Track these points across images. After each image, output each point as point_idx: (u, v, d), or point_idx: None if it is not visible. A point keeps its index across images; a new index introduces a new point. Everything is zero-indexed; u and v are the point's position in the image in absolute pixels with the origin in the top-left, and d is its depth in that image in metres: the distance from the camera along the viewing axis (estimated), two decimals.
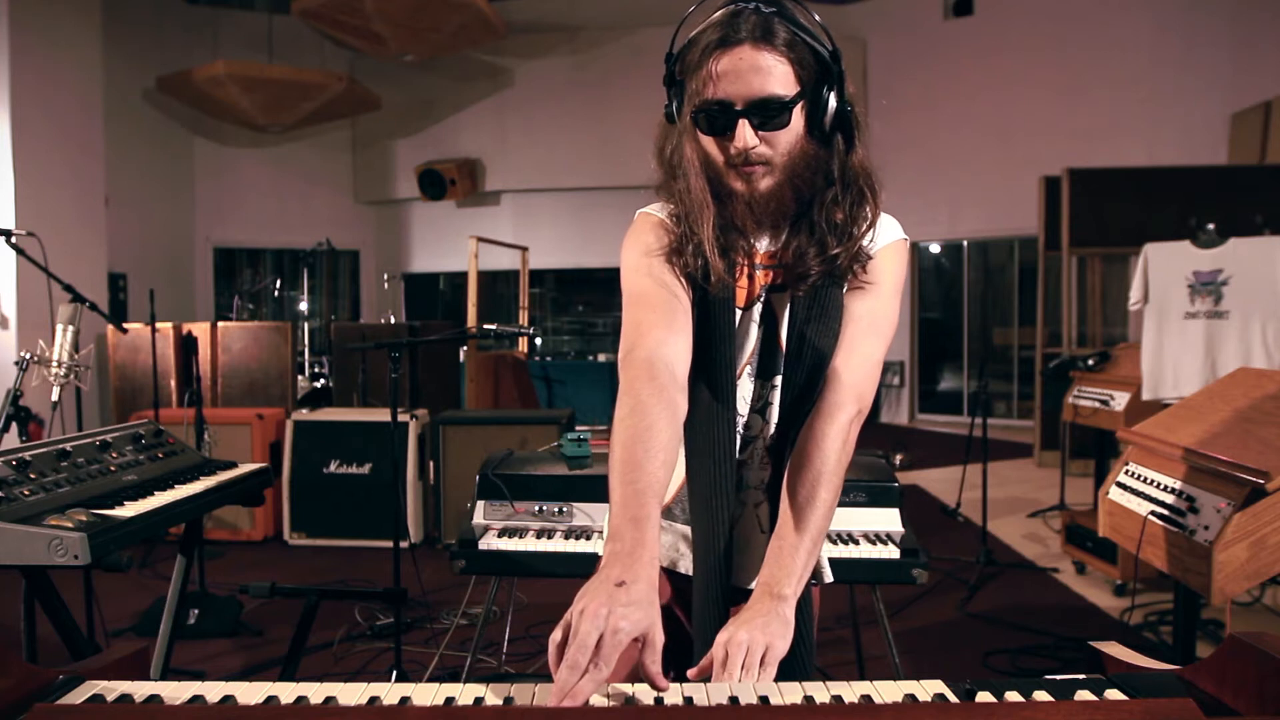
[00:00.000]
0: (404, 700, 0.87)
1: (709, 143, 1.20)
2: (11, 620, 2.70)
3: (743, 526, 1.30)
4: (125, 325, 5.10)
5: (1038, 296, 7.68)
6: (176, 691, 0.87)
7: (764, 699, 0.90)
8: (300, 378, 7.17)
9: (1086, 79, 9.01)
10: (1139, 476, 2.17)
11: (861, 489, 2.25)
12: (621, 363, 1.18)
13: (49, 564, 1.67)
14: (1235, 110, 7.77)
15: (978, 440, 4.75)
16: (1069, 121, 9.00)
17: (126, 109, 8.90)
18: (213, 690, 0.88)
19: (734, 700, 0.90)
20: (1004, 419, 9.73)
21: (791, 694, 0.91)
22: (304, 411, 5.14)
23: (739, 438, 1.28)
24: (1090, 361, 4.81)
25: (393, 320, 8.01)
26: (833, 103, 1.20)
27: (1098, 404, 4.58)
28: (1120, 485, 2.24)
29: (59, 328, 3.22)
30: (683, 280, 1.24)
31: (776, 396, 1.27)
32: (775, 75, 1.15)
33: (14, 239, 3.31)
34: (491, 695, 0.89)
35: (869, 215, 1.24)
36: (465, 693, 0.89)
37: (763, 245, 1.28)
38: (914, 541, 2.21)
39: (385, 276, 10.25)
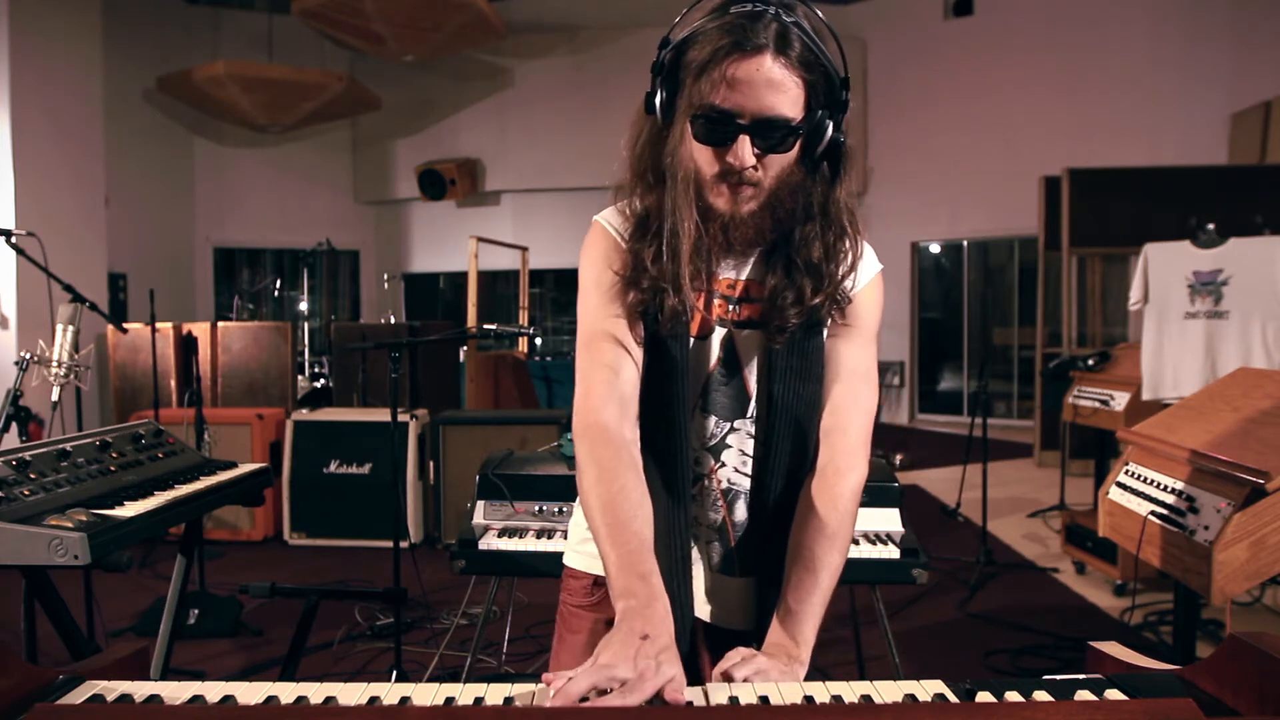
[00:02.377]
0: (404, 700, 0.87)
1: (699, 150, 1.11)
2: (11, 620, 2.70)
3: (691, 562, 1.26)
4: (125, 325, 5.10)
5: (1038, 296, 7.68)
6: (176, 691, 0.87)
7: (764, 699, 0.90)
8: (300, 378, 7.17)
9: (1086, 79, 9.02)
10: (1139, 476, 2.17)
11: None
12: (575, 428, 1.15)
13: (49, 564, 1.67)
14: (1235, 110, 7.78)
15: (978, 440, 4.75)
16: (1069, 121, 9.00)
17: (126, 109, 8.89)
18: (213, 690, 0.88)
19: (734, 700, 0.90)
20: (1004, 419, 9.74)
21: (791, 694, 0.91)
22: (304, 411, 5.14)
23: (690, 475, 1.23)
24: (1090, 361, 4.81)
25: (393, 320, 8.01)
26: (830, 132, 1.12)
27: (1098, 404, 4.58)
28: (1120, 485, 2.24)
29: (59, 328, 3.22)
30: (634, 315, 1.18)
31: (739, 441, 1.23)
32: (788, 95, 1.07)
33: (14, 239, 3.31)
34: (491, 695, 0.89)
35: (848, 252, 1.18)
36: (465, 693, 0.89)
37: (724, 272, 1.21)
38: (914, 541, 2.21)
39: (385, 276, 10.25)
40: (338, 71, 9.46)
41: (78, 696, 0.86)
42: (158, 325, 4.80)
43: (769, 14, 1.07)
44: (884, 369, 10.64)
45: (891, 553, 2.18)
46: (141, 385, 5.65)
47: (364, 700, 0.87)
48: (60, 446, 2.00)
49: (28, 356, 3.15)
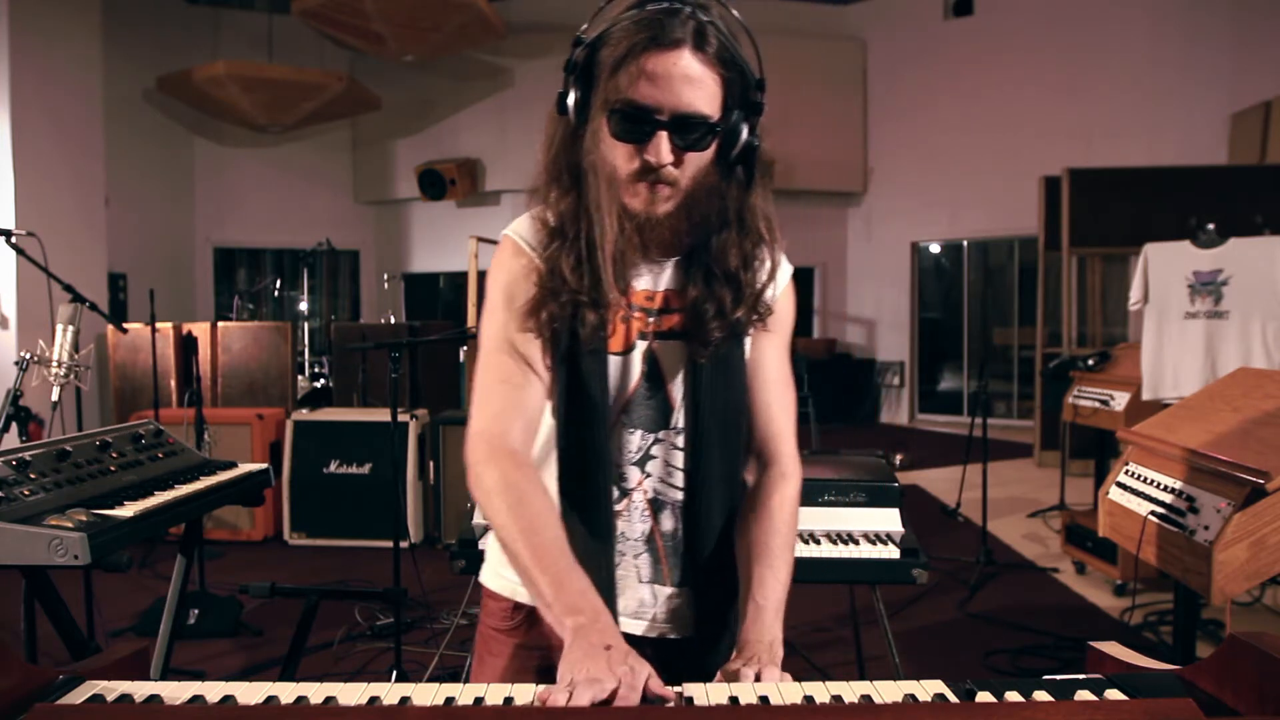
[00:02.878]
0: (404, 700, 0.87)
1: (615, 148, 1.08)
2: (11, 620, 2.70)
3: (618, 577, 1.23)
4: (125, 325, 5.10)
5: (1038, 296, 7.68)
6: (176, 691, 0.87)
7: (764, 699, 0.90)
8: (300, 378, 7.17)
9: (1086, 79, 9.02)
10: (1139, 476, 2.17)
11: (861, 489, 2.25)
12: (479, 451, 1.11)
13: (49, 564, 1.67)
14: (1235, 110, 7.78)
15: (978, 440, 4.75)
16: (1069, 121, 9.00)
17: (126, 109, 8.89)
18: (213, 690, 0.88)
19: (734, 700, 0.90)
20: (1004, 419, 9.74)
21: (791, 694, 0.91)
22: (304, 411, 5.14)
23: (616, 489, 1.21)
24: (1090, 361, 4.81)
25: (393, 320, 8.01)
26: (744, 134, 1.10)
27: (1098, 404, 4.58)
28: (1120, 485, 2.24)
29: (59, 328, 3.22)
30: (545, 336, 1.14)
31: (664, 451, 1.21)
32: (706, 91, 1.06)
33: (14, 239, 3.31)
34: (491, 695, 0.90)
35: (766, 260, 1.18)
36: (465, 693, 0.89)
37: (642, 283, 1.18)
38: (914, 541, 2.21)
39: (385, 276, 10.23)
40: (338, 71, 9.45)
41: (78, 696, 0.86)
42: (158, 325, 4.80)
43: (686, 10, 1.06)
44: (884, 369, 10.65)
45: (891, 553, 2.18)
46: (141, 385, 5.65)
47: (364, 700, 0.87)
48: (60, 446, 2.00)
49: (28, 356, 3.15)
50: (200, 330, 5.76)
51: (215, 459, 2.44)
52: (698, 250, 1.16)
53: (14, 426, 3.16)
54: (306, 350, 8.89)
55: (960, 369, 10.41)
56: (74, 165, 6.64)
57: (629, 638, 1.05)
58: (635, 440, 1.21)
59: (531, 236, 1.17)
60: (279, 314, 10.55)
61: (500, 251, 1.19)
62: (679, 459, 1.21)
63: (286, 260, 10.96)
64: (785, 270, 1.25)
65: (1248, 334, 3.94)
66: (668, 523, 1.22)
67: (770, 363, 1.25)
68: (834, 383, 9.88)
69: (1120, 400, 4.42)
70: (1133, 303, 4.36)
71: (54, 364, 3.17)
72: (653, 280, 1.19)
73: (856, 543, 2.21)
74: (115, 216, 7.56)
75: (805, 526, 2.18)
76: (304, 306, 9.58)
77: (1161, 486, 2.06)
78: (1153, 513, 2.03)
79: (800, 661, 3.27)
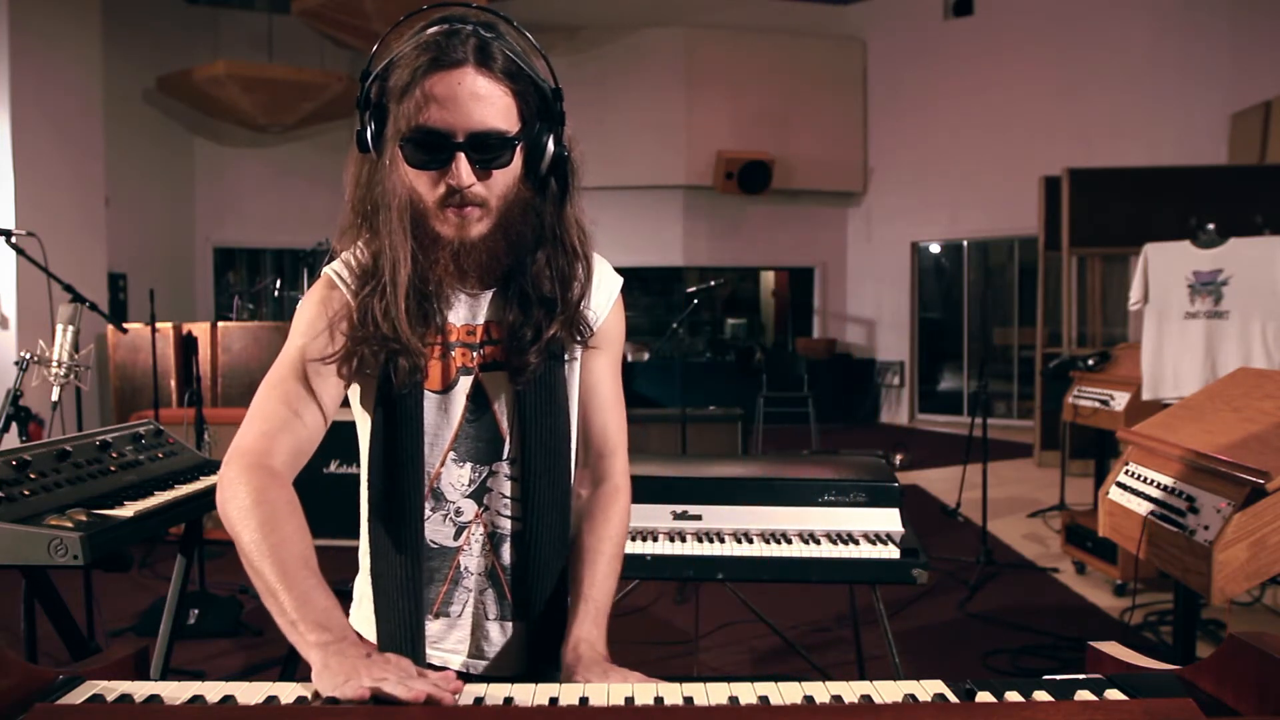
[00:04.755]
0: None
1: (415, 177, 1.07)
2: (11, 620, 2.70)
3: (466, 615, 1.22)
4: (125, 325, 5.10)
5: (1038, 296, 7.69)
6: (176, 691, 0.87)
7: (764, 699, 0.90)
8: None
9: (1086, 79, 9.02)
10: (1139, 476, 2.17)
11: (861, 489, 2.25)
12: (237, 464, 1.07)
13: (49, 564, 1.67)
14: (1235, 110, 7.78)
15: (978, 440, 4.75)
16: (1069, 121, 9.01)
17: (126, 109, 8.89)
18: (213, 690, 0.88)
19: (734, 700, 0.90)
20: (1004, 419, 9.74)
21: (791, 694, 0.91)
22: None
23: (453, 525, 1.21)
24: (1090, 361, 4.81)
25: None
26: (551, 145, 1.10)
27: (1098, 404, 4.58)
28: (1120, 485, 2.24)
29: (59, 328, 3.22)
30: (358, 381, 1.17)
31: (498, 483, 1.20)
32: (497, 106, 1.05)
33: (14, 239, 3.31)
34: (492, 695, 0.90)
35: (581, 277, 1.16)
36: (465, 693, 0.89)
37: (460, 318, 1.17)
38: (914, 541, 2.21)
39: None
40: (338, 71, 9.46)
41: (78, 696, 0.86)
42: (158, 325, 4.80)
43: (467, 30, 1.06)
44: (884, 369, 10.65)
45: (891, 553, 2.18)
46: (141, 385, 5.65)
47: None
48: (60, 446, 2.00)
49: (28, 356, 3.15)
50: (200, 330, 5.76)
51: (215, 459, 2.44)
52: (514, 275, 1.15)
53: (14, 426, 3.16)
54: None
55: (960, 369, 10.41)
56: (74, 165, 6.64)
57: (463, 676, 1.02)
58: (466, 474, 1.20)
59: (348, 275, 1.15)
60: (279, 314, 10.54)
61: (314, 287, 1.17)
62: (512, 489, 1.21)
63: (286, 260, 10.95)
64: (611, 283, 1.24)
65: (1248, 334, 3.94)
66: (507, 555, 1.21)
67: (602, 381, 1.25)
68: (834, 383, 9.89)
69: (1120, 400, 4.42)
70: (1133, 303, 4.36)
71: (54, 364, 3.17)
72: (471, 313, 1.18)
73: (856, 543, 2.21)
74: (115, 216, 7.56)
75: (805, 526, 2.18)
76: None
77: (1161, 486, 2.06)
78: (1152, 513, 2.03)
79: (800, 661, 3.27)
